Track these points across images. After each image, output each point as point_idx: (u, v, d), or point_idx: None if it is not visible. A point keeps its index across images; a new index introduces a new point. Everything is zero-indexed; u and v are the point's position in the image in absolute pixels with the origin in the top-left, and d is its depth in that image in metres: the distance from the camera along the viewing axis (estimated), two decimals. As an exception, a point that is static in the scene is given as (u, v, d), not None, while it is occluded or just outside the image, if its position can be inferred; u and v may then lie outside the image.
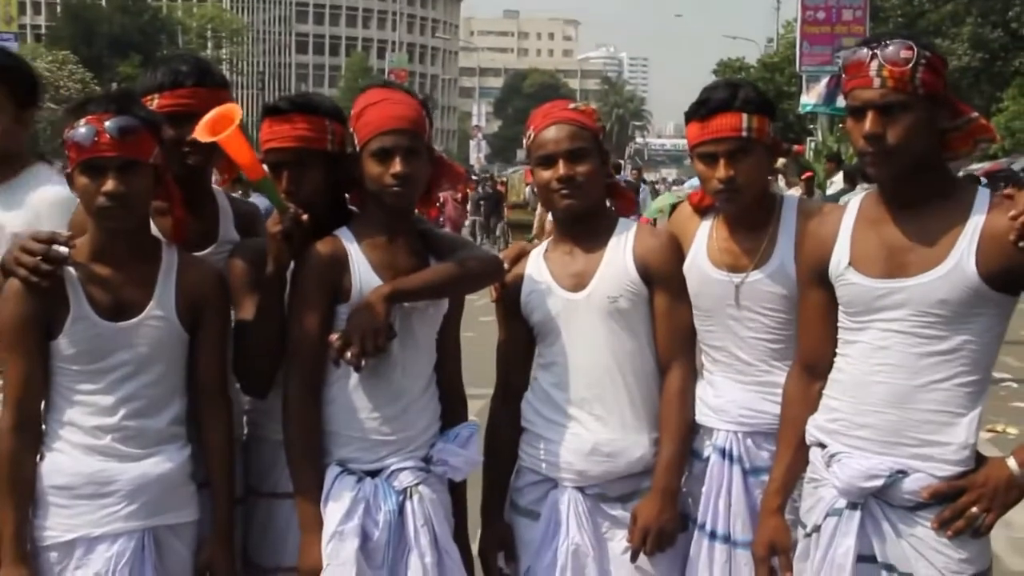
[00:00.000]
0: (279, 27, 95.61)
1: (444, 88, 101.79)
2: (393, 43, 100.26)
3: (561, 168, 2.67)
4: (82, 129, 2.35)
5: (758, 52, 48.69)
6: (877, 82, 2.23)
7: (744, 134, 2.59)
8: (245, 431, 2.82)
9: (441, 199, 17.67)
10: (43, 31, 62.40)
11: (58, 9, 62.19)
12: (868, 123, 2.24)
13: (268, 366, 2.60)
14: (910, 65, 2.22)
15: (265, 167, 2.59)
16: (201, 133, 2.48)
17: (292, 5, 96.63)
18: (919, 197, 2.32)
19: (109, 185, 2.34)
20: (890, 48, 2.23)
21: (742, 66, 44.50)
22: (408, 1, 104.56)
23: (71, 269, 2.43)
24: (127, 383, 2.46)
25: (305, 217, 2.52)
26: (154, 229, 2.59)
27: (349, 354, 2.45)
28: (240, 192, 6.04)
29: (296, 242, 2.52)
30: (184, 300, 2.52)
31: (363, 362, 2.47)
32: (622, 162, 26.14)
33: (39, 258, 2.36)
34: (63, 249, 2.40)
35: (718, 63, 47.19)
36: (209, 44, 64.57)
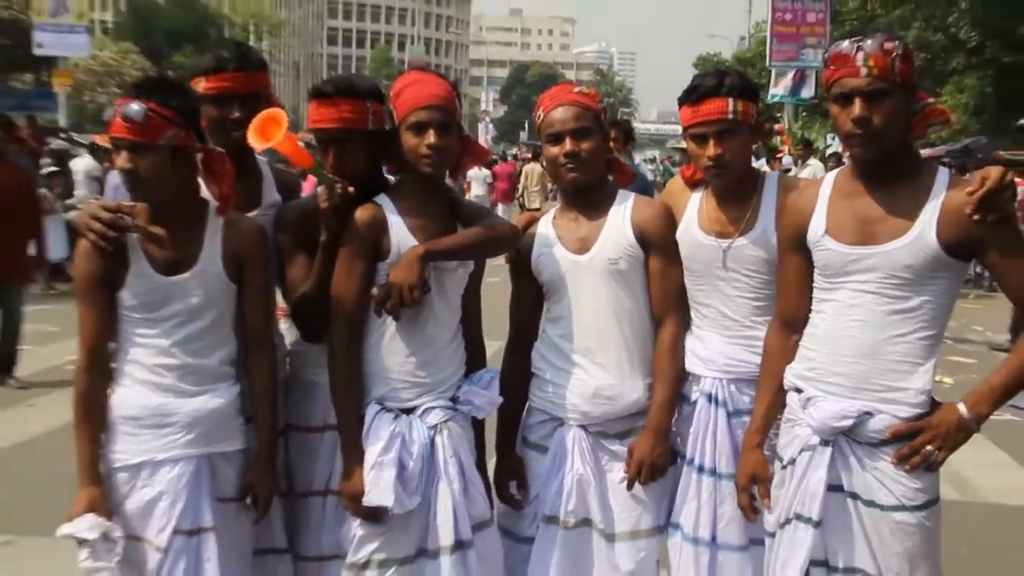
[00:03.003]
0: (313, 22, 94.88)
1: (456, 77, 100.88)
2: (412, 37, 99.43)
3: (567, 145, 2.64)
4: (110, 111, 2.36)
5: (732, 48, 48.21)
6: (864, 71, 2.19)
7: (730, 116, 2.56)
8: (287, 370, 2.81)
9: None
10: (109, 25, 61.81)
11: (122, 5, 61.58)
12: (857, 108, 2.20)
13: (325, 316, 2.56)
14: (892, 56, 2.19)
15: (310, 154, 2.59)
16: (255, 140, 2.47)
17: (324, 2, 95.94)
18: (890, 174, 2.28)
19: (118, 162, 2.37)
20: (875, 41, 2.20)
21: (719, 60, 44.01)
22: (425, 0, 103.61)
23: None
24: (182, 328, 2.47)
25: (351, 190, 2.51)
26: (207, 194, 2.56)
27: (389, 304, 2.44)
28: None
29: (343, 213, 2.51)
30: (229, 255, 2.51)
31: (400, 312, 2.46)
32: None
33: (106, 226, 2.39)
34: (127, 219, 2.43)
35: (697, 57, 46.72)
36: (251, 37, 63.98)
